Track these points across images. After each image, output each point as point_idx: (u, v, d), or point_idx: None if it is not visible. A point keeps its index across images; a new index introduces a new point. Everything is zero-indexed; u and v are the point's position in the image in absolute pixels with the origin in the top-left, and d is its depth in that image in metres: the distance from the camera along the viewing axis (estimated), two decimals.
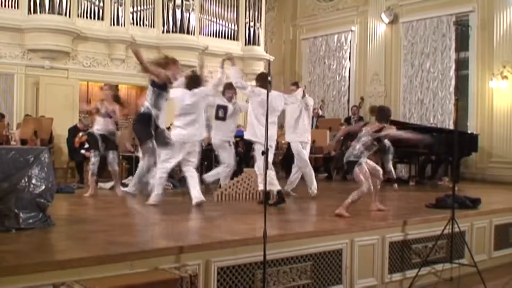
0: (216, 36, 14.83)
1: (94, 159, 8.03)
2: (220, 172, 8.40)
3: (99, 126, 8.02)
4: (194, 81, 7.32)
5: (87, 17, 12.68)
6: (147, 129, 6.79)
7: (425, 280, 6.05)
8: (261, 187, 7.11)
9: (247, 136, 7.35)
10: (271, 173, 7.00)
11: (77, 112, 12.36)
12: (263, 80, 7.25)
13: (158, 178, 7.04)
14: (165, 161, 7.02)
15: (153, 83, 6.77)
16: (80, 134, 10.18)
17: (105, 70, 12.91)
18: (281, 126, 14.47)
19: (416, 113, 13.56)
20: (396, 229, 5.92)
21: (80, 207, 7.06)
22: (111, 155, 8.08)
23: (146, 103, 6.81)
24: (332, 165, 12.01)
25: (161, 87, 6.75)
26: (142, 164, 7.47)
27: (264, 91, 7.00)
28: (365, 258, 5.56)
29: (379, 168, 6.73)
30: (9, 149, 5.29)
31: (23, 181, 4.89)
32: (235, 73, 7.40)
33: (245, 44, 15.27)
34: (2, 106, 11.68)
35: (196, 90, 7.15)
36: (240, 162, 11.25)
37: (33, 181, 4.96)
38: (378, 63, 14.53)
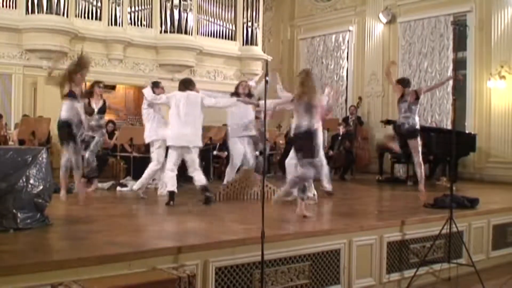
0: (213, 36, 14.82)
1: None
2: None
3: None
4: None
5: (85, 17, 12.65)
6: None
7: (423, 280, 6.06)
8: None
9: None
10: (170, 173, 7.23)
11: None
12: (182, 85, 7.50)
13: None
14: None
15: None
16: None
17: (103, 70, 12.88)
18: (278, 126, 14.54)
19: None
20: (394, 229, 5.93)
21: (78, 207, 7.05)
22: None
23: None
24: (330, 165, 12.01)
25: None
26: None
27: (179, 93, 7.38)
28: (363, 258, 5.57)
29: None
30: (7, 149, 5.29)
31: (21, 181, 4.90)
32: (148, 93, 8.11)
33: (243, 44, 15.27)
34: (0, 106, 11.67)
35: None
36: None
37: (31, 181, 4.96)
38: (376, 63, 14.53)
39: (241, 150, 8.37)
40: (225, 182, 8.29)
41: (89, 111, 8.37)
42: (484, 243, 7.02)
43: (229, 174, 8.43)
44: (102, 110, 8.86)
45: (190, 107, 7.26)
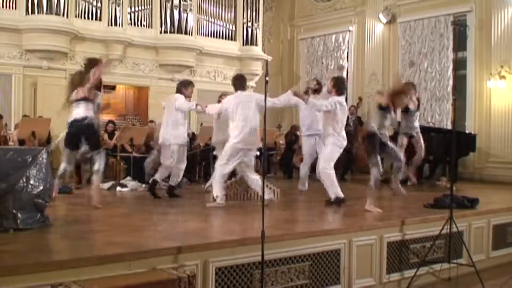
0: (213, 36, 14.83)
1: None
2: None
3: None
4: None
5: (85, 17, 12.66)
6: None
7: (423, 280, 6.06)
8: None
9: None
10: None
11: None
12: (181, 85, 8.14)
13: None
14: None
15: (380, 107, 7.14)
16: None
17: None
18: (279, 126, 14.55)
19: None
20: (394, 229, 5.92)
21: (78, 207, 7.05)
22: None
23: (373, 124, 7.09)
24: None
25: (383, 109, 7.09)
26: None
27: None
28: (363, 258, 5.57)
29: None
30: (7, 149, 5.29)
31: (21, 181, 4.89)
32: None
33: (243, 44, 15.27)
34: (0, 106, 11.66)
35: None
36: None
37: (31, 181, 4.95)
38: (376, 63, 14.54)
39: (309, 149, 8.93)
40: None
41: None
42: (484, 243, 7.01)
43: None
44: None
45: (168, 108, 7.98)
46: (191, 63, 14.13)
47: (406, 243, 6.01)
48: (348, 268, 5.43)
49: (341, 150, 7.31)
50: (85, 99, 6.73)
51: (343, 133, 7.28)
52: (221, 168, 7.13)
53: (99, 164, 6.81)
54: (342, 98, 7.37)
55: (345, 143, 7.28)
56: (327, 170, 7.15)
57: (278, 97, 7.56)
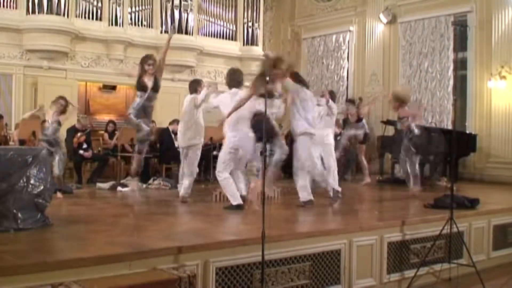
0: (214, 36, 14.84)
1: None
2: None
3: None
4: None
5: (85, 17, 12.67)
6: None
7: (424, 280, 6.06)
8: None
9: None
10: None
11: (76, 112, 12.33)
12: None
13: None
14: None
15: None
16: (79, 134, 10.18)
17: (104, 70, 12.90)
18: (279, 126, 14.53)
19: None
20: (395, 229, 5.92)
21: (79, 207, 7.06)
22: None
23: None
24: None
25: None
26: None
27: None
28: (364, 258, 5.57)
29: None
30: (8, 149, 5.30)
31: (21, 181, 4.89)
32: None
33: (244, 44, 15.28)
34: (0, 106, 11.67)
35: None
36: None
37: (32, 181, 4.96)
38: (376, 63, 14.53)
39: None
40: None
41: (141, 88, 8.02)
42: (484, 243, 7.01)
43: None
44: (156, 88, 8.17)
45: None
46: (191, 63, 14.13)
47: (407, 243, 6.01)
48: (349, 268, 5.44)
49: (232, 149, 6.77)
50: None
51: (236, 132, 6.74)
52: None
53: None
54: (227, 94, 7.03)
55: (233, 139, 6.75)
56: (219, 177, 6.75)
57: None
